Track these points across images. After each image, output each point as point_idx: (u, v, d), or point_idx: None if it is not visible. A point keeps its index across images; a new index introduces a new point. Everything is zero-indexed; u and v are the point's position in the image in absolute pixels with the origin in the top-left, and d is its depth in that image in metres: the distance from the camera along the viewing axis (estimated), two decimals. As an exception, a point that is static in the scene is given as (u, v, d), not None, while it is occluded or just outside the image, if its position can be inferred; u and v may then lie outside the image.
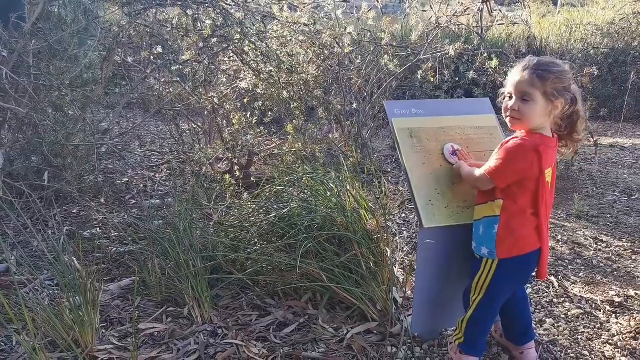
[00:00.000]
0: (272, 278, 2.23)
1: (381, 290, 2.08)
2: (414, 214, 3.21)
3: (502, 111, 1.69)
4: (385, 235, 2.24)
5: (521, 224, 1.65)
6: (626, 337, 2.04)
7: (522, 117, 1.61)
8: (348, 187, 2.40)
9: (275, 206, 2.41)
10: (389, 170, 4.19)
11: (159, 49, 3.72)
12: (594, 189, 3.87)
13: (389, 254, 2.14)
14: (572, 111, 1.61)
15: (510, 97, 1.65)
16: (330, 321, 2.09)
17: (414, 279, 2.11)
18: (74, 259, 2.32)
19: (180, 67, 3.82)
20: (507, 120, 1.67)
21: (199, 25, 3.56)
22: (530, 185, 1.63)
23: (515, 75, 1.63)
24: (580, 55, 6.72)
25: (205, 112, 4.01)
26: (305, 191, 2.43)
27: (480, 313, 1.76)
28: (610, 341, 2.02)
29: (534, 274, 1.75)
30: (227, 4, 3.53)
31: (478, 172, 1.71)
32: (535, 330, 2.02)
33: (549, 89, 1.56)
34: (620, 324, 2.14)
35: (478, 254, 1.75)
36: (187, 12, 3.58)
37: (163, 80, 4.01)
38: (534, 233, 1.66)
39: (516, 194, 1.64)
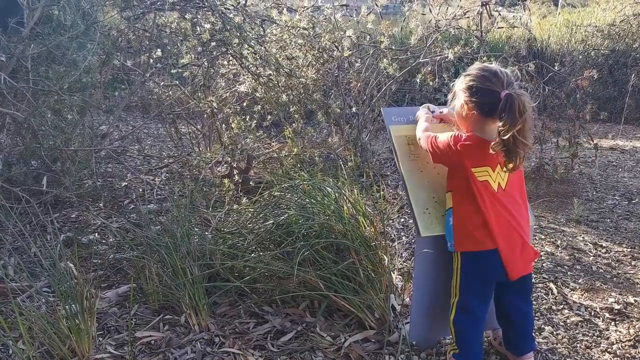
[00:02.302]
0: (269, 286, 2.22)
1: (379, 298, 2.07)
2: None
3: None
4: (384, 242, 2.23)
5: (469, 219, 1.71)
6: (625, 346, 2.03)
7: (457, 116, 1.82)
8: (346, 193, 2.39)
9: (273, 212, 2.40)
10: (388, 173, 4.18)
11: (159, 53, 3.72)
12: (594, 193, 3.86)
13: (386, 262, 2.13)
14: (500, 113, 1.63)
15: None
16: (328, 329, 2.09)
17: (412, 285, 2.10)
18: (72, 265, 2.32)
19: (180, 70, 3.82)
20: None
21: (198, 29, 3.56)
22: (459, 177, 1.74)
23: None
24: (580, 57, 6.70)
25: (205, 116, 4.01)
26: (303, 197, 2.42)
27: (459, 318, 1.77)
28: (609, 349, 2.01)
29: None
30: (225, 8, 3.52)
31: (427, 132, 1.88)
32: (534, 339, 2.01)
33: (458, 89, 1.75)
34: (620, 331, 2.13)
35: (449, 248, 1.80)
36: (186, 16, 3.58)
37: (162, 83, 4.01)
38: (483, 232, 1.68)
39: (458, 188, 1.75)
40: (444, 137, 1.77)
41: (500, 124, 1.59)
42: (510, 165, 1.64)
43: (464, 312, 1.76)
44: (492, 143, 1.62)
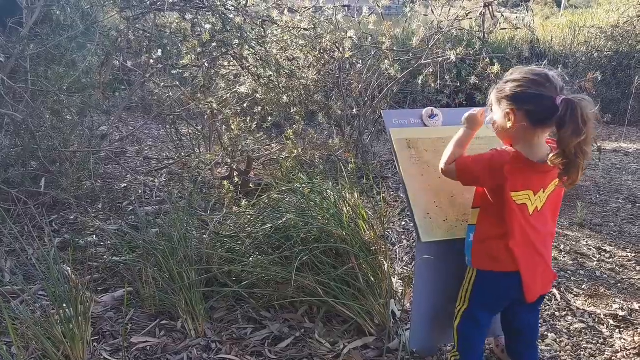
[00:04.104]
0: (267, 291, 2.19)
1: (379, 304, 2.04)
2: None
3: None
4: (384, 246, 2.20)
5: (492, 241, 1.60)
6: (630, 354, 1.99)
7: (495, 126, 1.61)
8: (346, 196, 2.35)
9: (271, 216, 2.37)
10: (390, 176, 4.14)
11: (159, 53, 3.69)
12: (597, 196, 3.81)
13: (385, 267, 2.10)
14: (558, 121, 1.42)
15: None
16: (326, 335, 2.05)
17: (412, 291, 2.07)
18: (68, 268, 2.29)
19: (180, 71, 3.79)
20: None
21: (198, 29, 3.53)
22: (493, 198, 1.58)
23: None
24: (584, 59, 6.66)
25: (205, 117, 3.98)
26: (302, 201, 2.39)
27: (465, 326, 1.72)
28: (613, 358, 1.97)
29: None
30: (226, 9, 3.49)
31: (457, 154, 1.68)
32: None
33: (501, 97, 1.54)
34: (624, 339, 2.09)
35: (468, 260, 1.72)
36: (186, 16, 3.55)
37: (162, 84, 3.98)
38: (505, 253, 1.57)
39: (488, 207, 1.62)
40: (479, 156, 1.58)
41: (560, 134, 1.41)
42: (567, 179, 1.46)
43: (470, 320, 1.71)
44: (551, 155, 1.43)
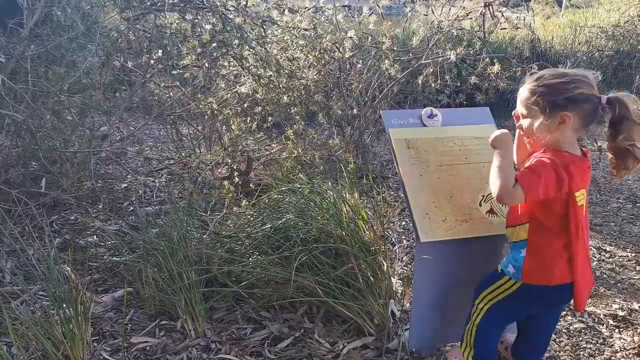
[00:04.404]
0: (267, 291, 2.19)
1: (378, 304, 2.04)
2: (414, 221, 3.16)
3: None
4: (383, 246, 2.20)
5: (552, 256, 1.52)
6: (629, 354, 1.99)
7: (529, 135, 1.54)
8: (347, 196, 2.36)
9: (271, 216, 2.37)
10: (390, 176, 4.14)
11: (159, 53, 3.69)
12: (598, 196, 3.81)
13: (385, 267, 2.10)
14: (614, 120, 1.44)
15: (523, 117, 1.57)
16: (326, 335, 2.05)
17: (411, 291, 2.07)
18: (68, 268, 2.29)
19: (180, 71, 3.79)
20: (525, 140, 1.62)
21: (199, 30, 3.53)
22: (557, 208, 1.49)
23: (519, 93, 1.56)
24: (584, 58, 6.65)
25: (206, 117, 3.98)
26: (302, 201, 2.39)
27: (487, 325, 1.67)
28: (613, 358, 1.97)
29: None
30: (226, 9, 3.49)
31: (512, 177, 1.46)
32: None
33: (544, 102, 1.47)
34: (624, 339, 2.09)
35: (502, 269, 1.63)
36: (186, 17, 3.55)
37: (163, 85, 3.98)
38: (564, 264, 1.52)
39: (544, 220, 1.52)
40: (539, 165, 1.46)
41: (616, 131, 1.44)
42: (625, 169, 1.47)
43: (490, 323, 1.67)
44: (610, 157, 1.49)
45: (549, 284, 1.54)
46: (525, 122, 1.55)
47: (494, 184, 1.48)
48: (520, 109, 1.56)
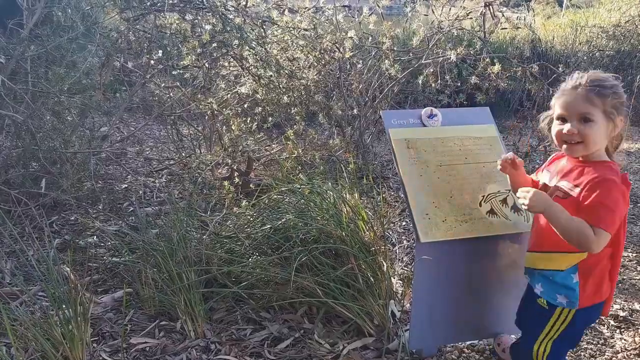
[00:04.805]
0: (267, 291, 2.19)
1: (378, 305, 2.03)
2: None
3: (554, 138, 1.49)
4: (383, 247, 2.19)
5: (602, 270, 1.49)
6: (631, 355, 1.98)
7: (585, 140, 1.42)
8: (347, 197, 2.35)
9: (271, 217, 2.37)
10: (390, 176, 4.14)
11: (159, 54, 3.69)
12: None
13: (385, 268, 2.09)
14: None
15: (563, 121, 1.46)
16: (326, 336, 2.05)
17: (412, 291, 2.06)
18: (68, 269, 2.29)
19: (180, 72, 3.79)
20: (563, 147, 1.47)
21: (199, 30, 3.53)
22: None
23: (566, 96, 1.45)
24: (585, 58, 6.64)
25: (206, 117, 3.98)
26: (302, 201, 2.39)
27: (555, 356, 1.58)
28: (614, 358, 1.96)
29: None
30: (226, 9, 3.49)
31: (583, 224, 1.36)
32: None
33: (608, 106, 1.40)
34: (625, 339, 2.08)
35: (550, 302, 1.54)
36: (186, 17, 3.55)
37: (163, 85, 3.98)
38: (607, 278, 1.51)
39: None
40: (606, 193, 1.37)
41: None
42: None
43: (560, 351, 1.59)
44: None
45: (601, 301, 1.52)
46: (578, 127, 1.42)
47: (573, 242, 1.39)
48: (574, 112, 1.43)
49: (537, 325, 1.58)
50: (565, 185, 1.48)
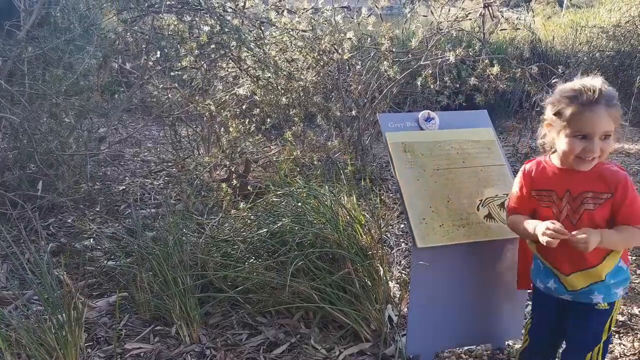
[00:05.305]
0: (263, 296, 2.17)
1: (375, 310, 2.02)
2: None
3: (566, 152, 1.43)
4: (380, 251, 2.18)
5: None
6: (629, 360, 1.96)
7: (602, 155, 1.42)
8: (344, 199, 2.33)
9: (267, 220, 2.35)
10: (389, 178, 4.12)
11: (158, 55, 3.67)
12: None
13: (381, 272, 2.08)
14: None
15: (583, 138, 1.40)
16: (322, 341, 2.03)
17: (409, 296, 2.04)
18: (63, 273, 2.27)
19: (179, 73, 3.78)
20: (574, 161, 1.43)
21: (197, 31, 3.51)
22: None
23: (587, 112, 1.38)
24: (585, 58, 6.61)
25: (204, 119, 3.96)
26: (299, 205, 2.37)
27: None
28: (612, 364, 1.95)
29: None
30: (224, 10, 3.47)
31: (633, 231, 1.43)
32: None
33: (618, 119, 1.42)
34: (624, 344, 2.06)
35: (609, 302, 1.50)
36: (183, 18, 3.53)
37: (161, 86, 3.97)
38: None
39: None
40: (634, 190, 1.45)
41: None
42: None
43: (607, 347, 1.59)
44: None
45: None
46: (601, 145, 1.40)
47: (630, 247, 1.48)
48: (598, 130, 1.39)
49: (598, 334, 1.53)
50: (591, 196, 1.45)
